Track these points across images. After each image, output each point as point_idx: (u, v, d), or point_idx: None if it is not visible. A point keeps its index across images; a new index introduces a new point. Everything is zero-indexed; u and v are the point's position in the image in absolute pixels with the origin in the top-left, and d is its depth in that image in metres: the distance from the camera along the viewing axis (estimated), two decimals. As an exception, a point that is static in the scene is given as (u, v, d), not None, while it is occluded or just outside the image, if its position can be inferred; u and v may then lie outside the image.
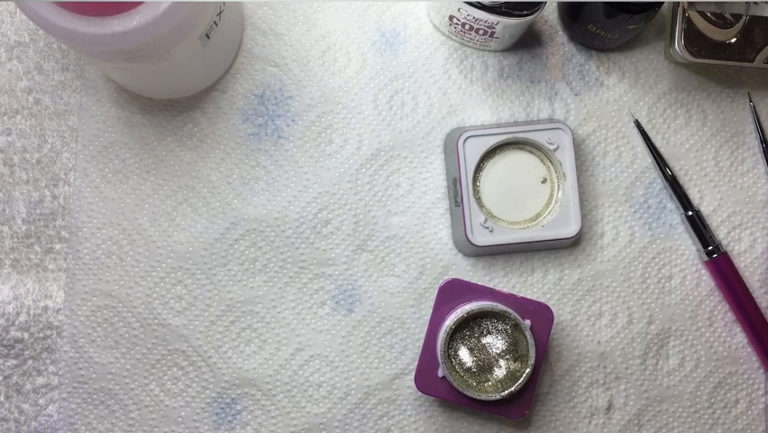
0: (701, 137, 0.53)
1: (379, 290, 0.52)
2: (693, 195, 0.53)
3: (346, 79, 0.52)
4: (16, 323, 0.51)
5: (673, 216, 0.53)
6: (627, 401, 0.52)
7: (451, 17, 0.49)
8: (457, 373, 0.48)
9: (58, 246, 0.51)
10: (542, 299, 0.52)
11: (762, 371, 0.53)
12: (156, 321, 0.51)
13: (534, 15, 0.46)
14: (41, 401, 0.51)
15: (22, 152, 0.51)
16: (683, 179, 0.53)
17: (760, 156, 0.53)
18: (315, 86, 0.52)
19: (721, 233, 0.53)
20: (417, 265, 0.52)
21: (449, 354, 0.47)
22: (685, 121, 0.53)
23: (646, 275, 0.52)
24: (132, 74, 0.47)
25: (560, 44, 0.53)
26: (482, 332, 0.48)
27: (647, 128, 0.53)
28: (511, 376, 0.48)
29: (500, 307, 0.47)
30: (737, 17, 0.50)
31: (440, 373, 0.48)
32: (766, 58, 0.50)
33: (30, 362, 0.51)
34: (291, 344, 0.51)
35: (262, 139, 0.52)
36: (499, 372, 0.48)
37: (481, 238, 0.49)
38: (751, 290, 0.52)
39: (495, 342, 0.48)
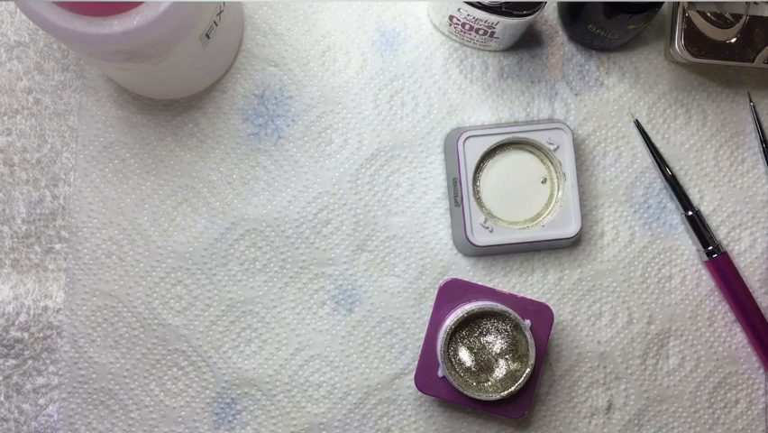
0: (701, 137, 0.53)
1: (379, 290, 0.52)
2: (693, 195, 0.53)
3: (346, 79, 0.52)
4: (16, 323, 0.51)
5: (673, 216, 0.53)
6: (627, 401, 0.52)
7: (451, 17, 0.49)
8: (457, 373, 0.48)
9: (58, 246, 0.51)
10: (542, 299, 0.52)
11: (762, 371, 0.53)
12: (156, 321, 0.51)
13: (534, 15, 0.46)
14: (41, 401, 0.51)
15: (22, 152, 0.51)
16: (683, 179, 0.53)
17: (760, 156, 0.53)
18: (315, 86, 0.52)
19: (721, 233, 0.53)
20: (417, 265, 0.52)
21: (449, 354, 0.47)
22: (685, 121, 0.53)
23: (646, 275, 0.52)
24: (132, 74, 0.47)
25: (560, 44, 0.53)
26: (482, 332, 0.48)
27: (647, 128, 0.53)
28: (511, 376, 0.48)
29: (500, 307, 0.47)
30: (737, 17, 0.50)
31: (440, 373, 0.48)
32: (766, 58, 0.50)
33: (30, 362, 0.51)
34: (291, 344, 0.51)
35: (262, 139, 0.52)
36: (499, 372, 0.48)
37: (481, 238, 0.49)
38: (751, 290, 0.52)
39: (495, 342, 0.48)
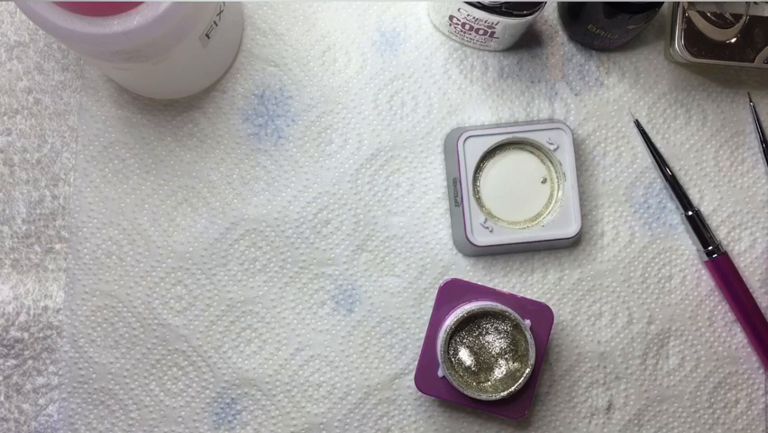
0: (701, 137, 0.53)
1: (379, 290, 0.52)
2: (693, 195, 0.53)
3: (346, 79, 0.52)
4: (16, 323, 0.51)
5: (673, 216, 0.53)
6: (627, 401, 0.52)
7: (451, 17, 0.49)
8: (457, 372, 0.48)
9: (58, 246, 0.51)
10: (542, 299, 0.52)
11: (762, 371, 0.53)
12: (156, 321, 0.51)
13: (534, 15, 0.46)
14: (41, 401, 0.51)
15: (22, 152, 0.51)
16: (683, 179, 0.53)
17: (760, 156, 0.53)
18: (315, 86, 0.52)
19: (721, 233, 0.53)
20: (417, 265, 0.52)
21: (449, 354, 0.47)
22: (685, 121, 0.53)
23: (646, 275, 0.52)
24: (132, 74, 0.47)
25: (560, 44, 0.53)
26: (482, 332, 0.48)
27: (647, 128, 0.53)
28: (511, 376, 0.48)
29: (500, 307, 0.47)
30: (737, 17, 0.50)
31: (440, 373, 0.48)
32: (766, 58, 0.50)
33: (30, 362, 0.51)
34: (291, 344, 0.51)
35: (262, 139, 0.52)
36: (499, 372, 0.48)
37: (481, 238, 0.49)
38: (751, 290, 0.52)
39: (495, 342, 0.48)
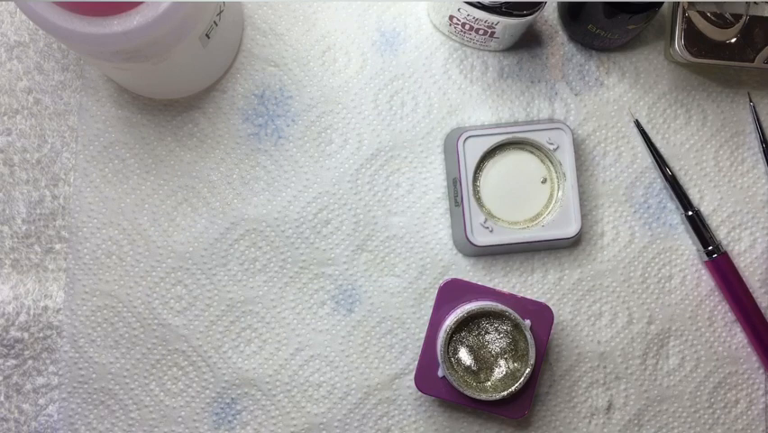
0: (701, 137, 0.53)
1: (379, 290, 0.52)
2: (693, 195, 0.53)
3: (346, 79, 0.52)
4: (16, 323, 0.51)
5: (673, 216, 0.53)
6: (627, 401, 0.52)
7: (451, 17, 0.49)
8: (457, 372, 0.48)
9: (58, 246, 0.51)
10: (542, 299, 0.52)
11: (762, 371, 0.53)
12: (156, 321, 0.51)
13: (534, 15, 0.46)
14: (41, 401, 0.51)
15: (22, 152, 0.51)
16: (683, 179, 0.53)
17: (760, 156, 0.53)
18: (315, 86, 0.52)
19: (721, 233, 0.53)
20: (417, 265, 0.52)
21: (449, 354, 0.47)
22: (685, 121, 0.53)
23: (646, 275, 0.52)
24: (132, 74, 0.47)
25: (560, 44, 0.53)
26: (482, 332, 0.48)
27: (647, 128, 0.53)
28: (511, 376, 0.48)
29: (500, 307, 0.47)
30: (737, 17, 0.50)
31: (440, 373, 0.48)
32: (766, 58, 0.50)
33: (30, 362, 0.51)
34: (291, 344, 0.51)
35: (262, 139, 0.52)
36: (499, 372, 0.48)
37: (481, 238, 0.49)
38: (751, 290, 0.52)
39: (495, 342, 0.48)
